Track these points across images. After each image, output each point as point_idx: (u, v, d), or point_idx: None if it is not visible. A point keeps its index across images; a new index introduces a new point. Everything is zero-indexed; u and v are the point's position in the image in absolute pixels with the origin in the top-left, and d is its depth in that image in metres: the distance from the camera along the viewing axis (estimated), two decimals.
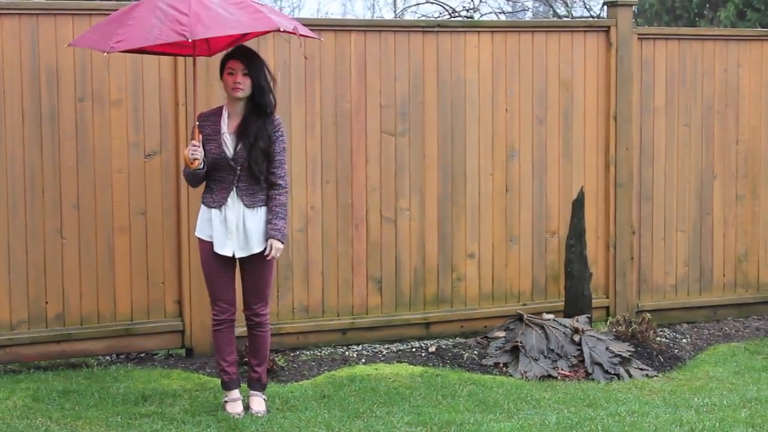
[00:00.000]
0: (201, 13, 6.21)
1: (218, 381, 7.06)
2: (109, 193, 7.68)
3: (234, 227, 6.54)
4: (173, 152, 7.80)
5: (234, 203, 6.55)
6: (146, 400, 6.91)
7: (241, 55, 6.56)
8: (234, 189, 6.55)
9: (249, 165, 6.53)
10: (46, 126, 7.50)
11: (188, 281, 7.85)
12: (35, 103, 7.47)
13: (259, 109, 6.57)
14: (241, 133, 6.54)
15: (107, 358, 7.92)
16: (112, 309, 7.75)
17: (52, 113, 7.51)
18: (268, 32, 6.88)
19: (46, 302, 7.59)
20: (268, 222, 6.60)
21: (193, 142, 6.47)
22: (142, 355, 8.00)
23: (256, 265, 6.64)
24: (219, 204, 6.56)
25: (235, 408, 6.66)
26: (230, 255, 6.58)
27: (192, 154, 6.44)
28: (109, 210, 7.69)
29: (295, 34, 6.51)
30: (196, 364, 7.79)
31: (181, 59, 7.67)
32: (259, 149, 6.53)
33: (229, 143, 6.54)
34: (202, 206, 6.64)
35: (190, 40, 6.16)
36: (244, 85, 6.51)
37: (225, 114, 6.59)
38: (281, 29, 6.46)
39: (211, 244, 6.58)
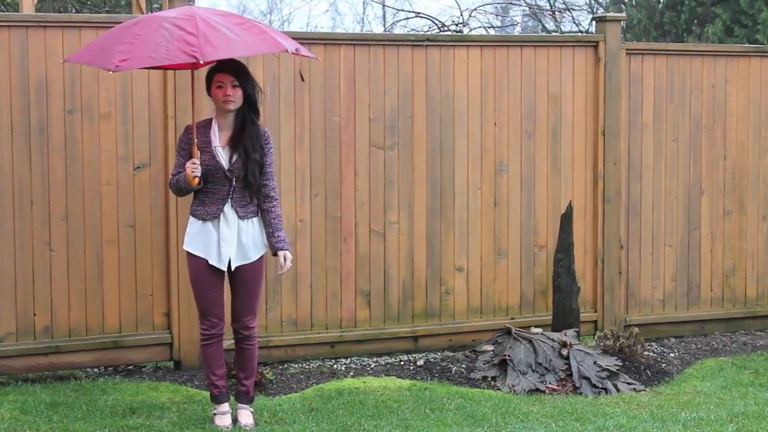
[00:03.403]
0: (208, 34, 6.17)
1: (206, 394, 7.06)
2: (97, 205, 7.68)
3: (230, 239, 6.53)
4: (162, 165, 7.81)
5: (229, 215, 6.54)
6: (134, 412, 6.90)
7: (228, 67, 6.56)
8: (229, 201, 6.54)
9: (245, 176, 6.54)
10: (35, 138, 7.50)
11: (177, 294, 7.85)
12: (24, 115, 7.47)
13: (250, 121, 6.59)
14: (235, 145, 6.54)
15: (95, 370, 7.91)
16: (100, 321, 7.74)
17: (41, 126, 7.51)
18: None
19: (34, 314, 7.58)
20: (270, 235, 6.66)
21: (193, 160, 6.43)
22: (130, 367, 7.99)
23: (248, 278, 6.64)
24: (214, 216, 6.53)
25: (224, 421, 6.65)
26: (225, 269, 6.57)
27: (193, 172, 6.41)
28: (97, 222, 7.68)
29: (297, 54, 6.56)
30: (185, 377, 7.78)
31: (170, 72, 7.68)
32: (254, 161, 6.54)
33: (222, 155, 6.53)
34: (192, 219, 6.59)
35: (201, 63, 6.14)
36: (235, 97, 6.51)
37: (215, 126, 6.59)
38: (288, 50, 6.45)
39: (202, 258, 6.56)
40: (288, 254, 6.70)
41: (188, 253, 6.61)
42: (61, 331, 7.65)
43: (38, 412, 6.84)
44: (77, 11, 16.95)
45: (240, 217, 6.56)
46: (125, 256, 7.77)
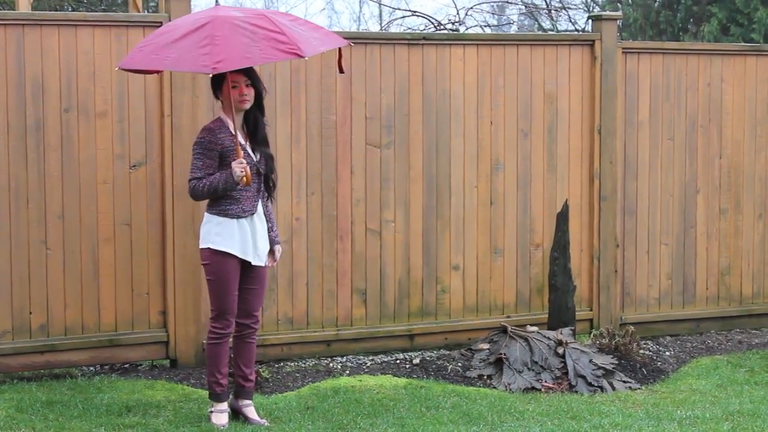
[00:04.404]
0: (289, 32, 6.24)
1: (202, 392, 7.07)
2: (93, 204, 7.67)
3: (263, 234, 6.65)
4: (158, 163, 7.81)
5: (260, 211, 6.64)
6: (130, 411, 6.90)
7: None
8: (260, 196, 6.63)
9: (269, 172, 6.67)
10: (31, 137, 7.49)
11: (173, 292, 7.85)
12: (20, 114, 7.47)
13: (259, 117, 6.65)
14: (257, 142, 6.64)
15: (91, 368, 7.91)
16: (96, 320, 7.74)
17: (38, 124, 7.50)
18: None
19: (31, 313, 7.58)
20: (270, 230, 6.79)
21: (240, 160, 6.43)
22: (126, 366, 7.99)
23: (262, 272, 6.71)
24: (251, 213, 6.57)
25: (221, 419, 6.64)
26: (263, 264, 6.65)
27: (246, 172, 6.43)
28: (93, 221, 7.68)
29: (345, 46, 6.78)
30: (180, 375, 7.78)
31: (166, 70, 7.68)
32: (271, 157, 6.71)
33: (251, 153, 6.60)
34: (222, 219, 6.50)
35: (306, 58, 6.21)
36: (250, 96, 6.54)
37: (231, 125, 6.56)
38: (348, 44, 6.79)
39: (233, 257, 6.52)
40: (281, 248, 6.92)
41: (216, 252, 6.52)
42: (57, 330, 7.65)
43: (34, 411, 6.84)
44: (73, 9, 16.92)
45: (261, 211, 6.69)
46: (121, 254, 7.77)
